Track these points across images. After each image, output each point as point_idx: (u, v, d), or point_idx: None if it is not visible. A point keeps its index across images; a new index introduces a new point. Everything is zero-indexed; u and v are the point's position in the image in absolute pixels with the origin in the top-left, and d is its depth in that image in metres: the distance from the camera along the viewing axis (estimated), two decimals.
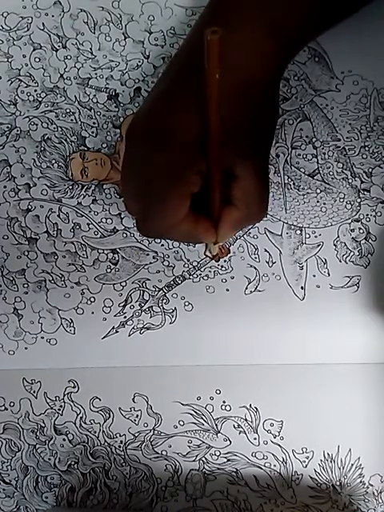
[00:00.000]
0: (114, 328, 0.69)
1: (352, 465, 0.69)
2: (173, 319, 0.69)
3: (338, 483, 0.69)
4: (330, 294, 0.69)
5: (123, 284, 0.70)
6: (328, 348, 0.69)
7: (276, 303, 0.69)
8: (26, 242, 0.69)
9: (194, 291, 0.69)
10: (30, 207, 0.69)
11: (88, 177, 0.69)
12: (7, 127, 0.69)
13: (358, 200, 0.69)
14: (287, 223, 0.69)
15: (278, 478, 0.70)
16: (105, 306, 0.70)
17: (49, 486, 0.71)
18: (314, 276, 0.69)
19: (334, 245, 0.69)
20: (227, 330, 0.69)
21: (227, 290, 0.69)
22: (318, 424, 0.69)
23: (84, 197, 0.69)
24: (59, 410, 0.70)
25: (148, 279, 0.70)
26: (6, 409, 0.70)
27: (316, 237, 0.69)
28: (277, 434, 0.70)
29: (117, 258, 0.69)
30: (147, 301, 0.70)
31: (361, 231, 0.69)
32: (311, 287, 0.69)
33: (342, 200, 0.69)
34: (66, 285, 0.70)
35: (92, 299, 0.70)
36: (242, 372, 0.69)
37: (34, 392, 0.70)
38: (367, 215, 0.69)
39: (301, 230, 0.69)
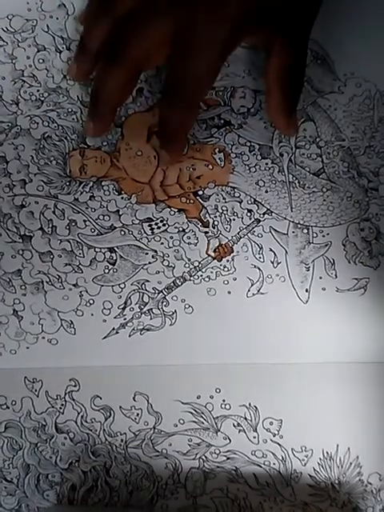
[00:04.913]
0: (114, 329, 0.70)
1: (351, 463, 0.70)
2: (173, 321, 0.70)
3: (336, 481, 0.70)
4: (335, 297, 0.69)
5: (122, 286, 0.70)
6: (328, 348, 0.69)
7: (278, 306, 0.69)
8: (20, 240, 0.69)
9: (195, 293, 0.69)
10: (24, 203, 0.69)
11: (86, 174, 0.69)
12: (8, 125, 0.69)
13: (366, 199, 0.69)
14: (293, 222, 0.69)
15: (277, 476, 0.70)
16: (104, 308, 0.70)
17: (50, 484, 0.71)
18: (321, 278, 0.69)
19: (343, 245, 0.69)
20: (228, 333, 0.69)
21: (229, 292, 0.69)
22: (317, 423, 0.70)
23: (81, 193, 0.69)
24: (60, 408, 0.70)
25: (147, 280, 0.70)
26: (8, 407, 0.70)
27: (324, 236, 0.69)
28: (276, 432, 0.70)
29: (114, 258, 0.69)
30: (147, 303, 0.70)
31: (371, 231, 0.69)
32: (316, 289, 0.69)
33: (349, 199, 0.69)
34: (64, 287, 0.70)
35: (91, 301, 0.70)
36: (242, 371, 0.69)
37: (36, 391, 0.70)
38: (376, 214, 0.69)
39: (307, 229, 0.69)
